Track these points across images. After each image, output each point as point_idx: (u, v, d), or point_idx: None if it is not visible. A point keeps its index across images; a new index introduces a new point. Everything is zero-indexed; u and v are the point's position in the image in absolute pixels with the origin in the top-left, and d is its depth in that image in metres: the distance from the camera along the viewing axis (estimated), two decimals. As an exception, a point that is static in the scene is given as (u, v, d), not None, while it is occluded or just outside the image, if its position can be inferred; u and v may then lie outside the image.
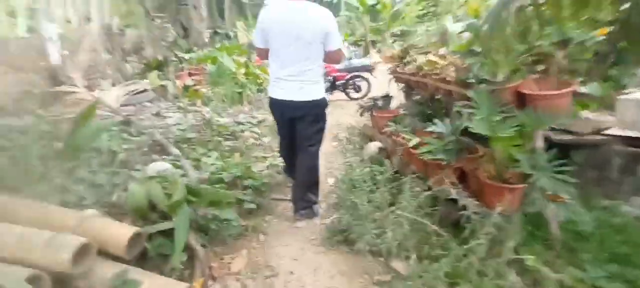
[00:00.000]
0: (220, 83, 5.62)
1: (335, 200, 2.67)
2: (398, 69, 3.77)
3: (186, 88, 5.94)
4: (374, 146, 3.52)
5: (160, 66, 6.09)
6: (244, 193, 2.51)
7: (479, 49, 2.48)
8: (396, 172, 3.14)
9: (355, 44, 16.42)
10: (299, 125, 2.35)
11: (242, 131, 3.84)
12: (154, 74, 5.39)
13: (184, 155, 2.94)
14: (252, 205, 2.33)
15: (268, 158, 3.35)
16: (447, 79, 2.54)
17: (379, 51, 16.13)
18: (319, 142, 2.47)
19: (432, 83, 2.86)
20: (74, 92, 4.31)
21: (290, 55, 2.17)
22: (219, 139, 3.41)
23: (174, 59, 6.40)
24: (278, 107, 2.37)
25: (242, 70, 6.20)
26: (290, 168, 2.64)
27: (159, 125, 3.65)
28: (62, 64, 5.37)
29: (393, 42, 17.03)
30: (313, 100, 2.27)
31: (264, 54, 2.38)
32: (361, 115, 4.42)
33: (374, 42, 17.27)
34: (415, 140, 2.76)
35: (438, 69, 2.79)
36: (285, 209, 2.62)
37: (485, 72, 2.15)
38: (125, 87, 4.58)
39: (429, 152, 2.38)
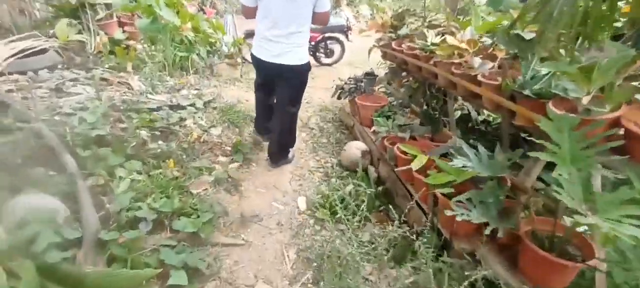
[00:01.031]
0: (159, 41, 4.36)
1: (307, 251, 1.89)
2: (393, 44, 2.88)
3: (114, 44, 4.59)
4: (355, 150, 2.72)
5: (75, 13, 4.60)
6: (171, 246, 1.63)
7: (526, 33, 1.68)
8: (385, 191, 2.42)
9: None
10: (280, 87, 2.44)
11: (183, 119, 2.82)
12: (63, 23, 3.97)
13: (83, 172, 1.95)
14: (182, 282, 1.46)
15: (215, 167, 2.43)
16: (479, 77, 1.74)
17: (350, 5, 14.81)
18: (298, 103, 2.57)
19: (447, 78, 2.04)
20: None
21: (282, 16, 2.17)
22: (146, 134, 2.40)
23: (97, 1, 4.88)
24: (261, 67, 2.41)
25: (189, 25, 4.90)
26: (261, 127, 2.81)
27: (58, 109, 2.52)
28: None
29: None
30: (298, 65, 2.30)
31: (251, 12, 2.33)
32: (339, 98, 3.54)
33: (345, -6, 15.83)
34: (420, 160, 1.99)
35: (461, 60, 1.97)
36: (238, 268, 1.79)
37: (556, 81, 1.38)
38: (13, 43, 3.23)
39: (449, 193, 1.63)
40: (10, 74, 2.85)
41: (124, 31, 4.88)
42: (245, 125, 3.25)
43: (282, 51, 2.24)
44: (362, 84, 3.35)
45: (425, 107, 2.90)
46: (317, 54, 6.35)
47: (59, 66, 3.41)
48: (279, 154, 2.68)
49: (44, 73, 3.04)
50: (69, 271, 1.20)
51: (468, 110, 2.89)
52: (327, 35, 6.15)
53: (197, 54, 4.35)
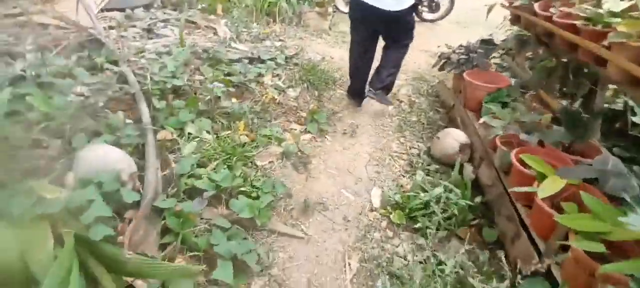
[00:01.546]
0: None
1: (373, 262, 1.56)
2: (536, 6, 2.11)
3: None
4: (452, 141, 2.17)
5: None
6: (223, 229, 1.47)
7: None
8: (484, 203, 1.88)
9: None
10: (387, 34, 2.50)
11: (261, 75, 2.60)
12: (164, -39, 4.03)
13: (155, 126, 1.88)
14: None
15: (286, 136, 2.18)
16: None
17: None
18: (408, 44, 2.58)
19: (630, 71, 1.33)
20: None
21: None
22: (221, 89, 2.24)
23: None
24: (364, 13, 2.35)
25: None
26: (357, 87, 2.73)
27: (146, 52, 2.53)
28: None
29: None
30: (406, 9, 2.29)
31: None
32: (441, 69, 2.90)
33: None
34: (553, 185, 1.41)
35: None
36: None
37: None
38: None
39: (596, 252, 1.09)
40: (110, 10, 2.95)
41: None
42: (326, 88, 2.91)
43: None
44: (475, 55, 2.63)
45: (565, 101, 2.13)
46: (420, 7, 5.47)
47: (155, 5, 3.46)
48: (381, 81, 2.63)
49: (139, 12, 3.09)
50: (111, 251, 1.09)
51: (625, 106, 2.03)
52: (433, -16, 5.19)
53: (286, 1, 4.03)
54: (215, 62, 2.55)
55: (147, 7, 3.26)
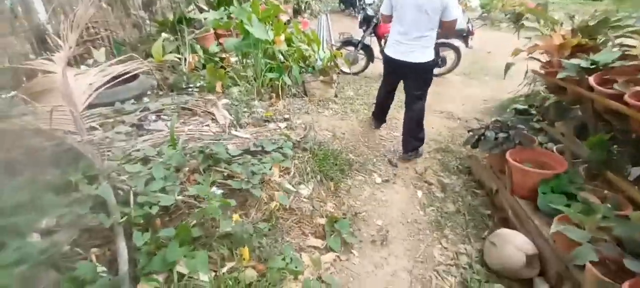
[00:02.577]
0: (251, 55, 3.91)
1: None
2: (591, 80, 1.76)
3: (208, 58, 4.35)
4: (515, 251, 1.70)
5: (174, 28, 4.51)
6: None
7: None
8: None
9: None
10: (407, 82, 2.86)
11: (263, 174, 2.20)
12: (158, 43, 3.83)
13: (136, 267, 1.44)
14: None
15: (304, 261, 1.72)
16: None
17: (485, 11, 12.59)
18: (425, 95, 2.85)
19: None
20: (45, 72, 2.94)
21: (411, 23, 2.54)
22: (219, 198, 1.82)
23: (196, 17, 4.75)
24: (392, 64, 2.81)
25: (282, 37, 4.39)
26: (380, 114, 3.37)
27: (132, 154, 2.16)
28: (49, 21, 4.07)
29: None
30: (422, 62, 2.62)
31: (388, 19, 2.85)
32: (474, 146, 2.50)
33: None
34: None
35: None
36: None
37: None
38: (110, 67, 3.10)
39: None
40: (97, 105, 2.64)
41: (219, 44, 4.65)
42: (342, 177, 2.51)
43: (408, 50, 2.60)
44: (515, 132, 2.25)
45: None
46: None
47: (148, 92, 3.18)
48: (409, 143, 2.90)
49: (129, 104, 2.79)
50: None
51: None
52: (439, 41, 5.01)
53: (288, 75, 3.78)
54: (212, 161, 2.17)
55: (139, 97, 2.97)
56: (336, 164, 2.57)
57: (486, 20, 10.42)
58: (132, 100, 2.87)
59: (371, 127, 3.44)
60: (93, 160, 1.98)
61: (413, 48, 2.58)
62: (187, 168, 2.12)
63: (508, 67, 3.58)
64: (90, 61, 3.96)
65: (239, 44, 3.61)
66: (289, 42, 4.39)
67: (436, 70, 5.39)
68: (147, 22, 4.91)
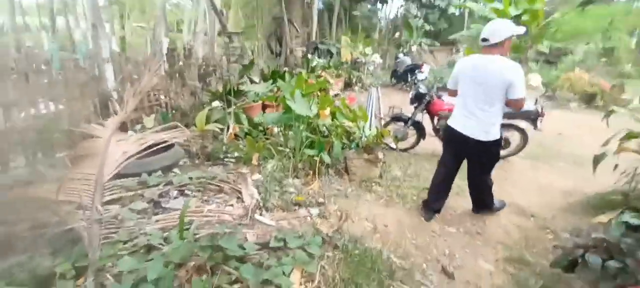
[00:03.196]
0: (292, 130, 3.73)
1: None
2: None
3: (252, 127, 4.29)
4: None
5: (222, 98, 4.62)
6: None
7: None
8: None
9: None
10: (470, 158, 2.78)
11: (278, 286, 1.75)
12: (203, 113, 3.86)
13: None
14: None
15: None
16: None
17: (550, 90, 11.98)
18: (488, 173, 2.81)
19: None
20: (93, 136, 2.98)
21: (473, 96, 2.53)
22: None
23: (242, 89, 4.86)
24: (454, 138, 2.71)
25: (327, 111, 4.22)
26: (434, 200, 2.96)
27: (139, 237, 1.89)
28: (116, 88, 4.40)
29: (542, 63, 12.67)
30: (485, 140, 2.54)
31: (454, 93, 2.79)
32: (566, 271, 1.83)
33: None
34: None
35: None
36: None
37: None
38: (150, 135, 3.09)
39: None
40: (125, 176, 2.52)
41: (265, 115, 4.61)
42: (381, 291, 1.96)
43: (470, 124, 2.56)
44: (631, 262, 1.57)
45: None
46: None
47: (180, 163, 3.06)
48: (481, 206, 2.97)
49: (155, 176, 2.64)
50: None
51: None
52: (504, 121, 4.45)
53: (328, 152, 3.47)
54: (222, 257, 1.80)
55: (169, 168, 2.85)
56: (374, 270, 2.04)
57: (553, 100, 9.58)
58: (159, 172, 2.73)
59: (421, 219, 2.89)
60: (90, 245, 1.73)
61: (472, 122, 2.56)
62: (192, 264, 1.78)
63: (599, 159, 2.91)
64: (138, 127, 4.10)
65: (279, 118, 3.46)
66: (333, 116, 4.19)
67: (502, 151, 4.77)
68: (201, 91, 5.13)
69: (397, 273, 2.12)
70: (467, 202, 3.16)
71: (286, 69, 7.00)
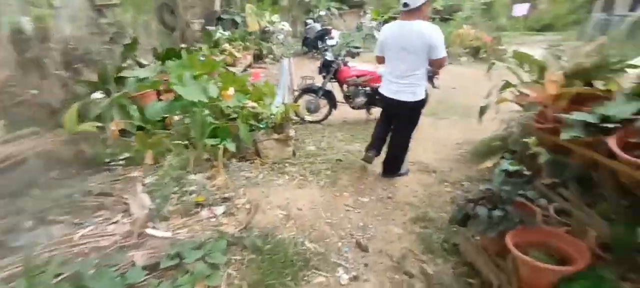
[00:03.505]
0: (191, 117, 3.28)
1: None
2: (615, 147, 1.29)
3: (144, 121, 3.68)
4: None
5: (104, 86, 3.86)
6: None
7: None
8: None
9: (386, 22, 13.59)
10: (396, 119, 3.00)
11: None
12: (72, 110, 3.14)
13: None
14: None
15: None
16: None
17: None
18: (410, 132, 3.02)
19: None
20: None
21: (398, 63, 2.70)
22: None
23: (125, 75, 4.11)
24: (384, 101, 2.97)
25: (231, 91, 3.83)
26: (373, 146, 3.18)
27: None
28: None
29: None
30: (411, 101, 2.74)
31: (381, 60, 2.93)
32: (462, 225, 1.95)
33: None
34: None
35: None
36: None
37: None
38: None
39: None
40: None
41: (160, 100, 4.00)
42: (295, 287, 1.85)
43: (397, 89, 2.75)
44: (511, 209, 1.73)
45: None
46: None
47: (41, 180, 2.45)
48: (391, 169, 3.12)
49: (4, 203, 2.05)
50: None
51: None
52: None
53: (235, 137, 3.17)
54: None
55: (24, 189, 2.24)
56: (288, 264, 1.92)
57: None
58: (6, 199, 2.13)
59: (335, 195, 2.86)
60: None
61: (401, 87, 2.70)
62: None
63: (483, 110, 3.20)
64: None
65: (167, 107, 3.00)
66: (244, 94, 3.84)
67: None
68: (72, 82, 4.21)
69: (312, 260, 2.04)
70: (378, 170, 3.25)
71: (184, 45, 6.22)
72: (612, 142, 1.32)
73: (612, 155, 1.33)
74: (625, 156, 1.26)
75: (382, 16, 13.83)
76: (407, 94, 2.71)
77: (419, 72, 2.67)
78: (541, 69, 2.07)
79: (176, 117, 3.83)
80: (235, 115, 3.61)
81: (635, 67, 1.63)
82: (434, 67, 2.78)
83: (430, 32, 2.51)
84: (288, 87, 7.45)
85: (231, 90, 3.81)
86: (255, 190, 2.74)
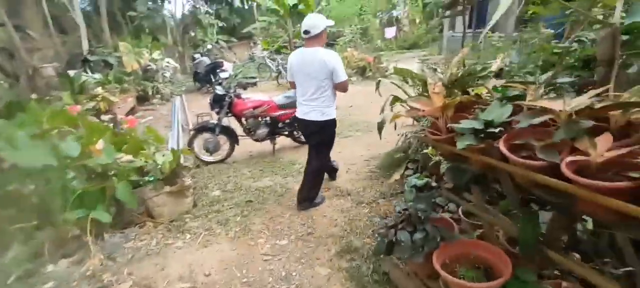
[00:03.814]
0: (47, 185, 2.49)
1: None
2: (505, 149, 1.33)
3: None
4: None
5: None
6: None
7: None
8: None
9: (277, 51, 13.90)
10: (309, 139, 3.06)
11: None
12: None
13: None
14: None
15: None
16: None
17: None
18: (324, 151, 3.08)
19: None
20: None
21: (306, 86, 2.79)
22: None
23: None
24: (301, 125, 3.05)
25: (101, 144, 3.11)
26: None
27: None
28: None
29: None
30: (320, 120, 2.81)
31: (292, 85, 2.99)
32: (387, 254, 1.85)
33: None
34: None
35: None
36: None
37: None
38: None
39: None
40: None
41: None
42: None
43: (308, 110, 2.82)
44: (430, 228, 1.70)
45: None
46: (296, 133, 4.77)
47: None
48: (308, 199, 3.06)
49: None
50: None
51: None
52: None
53: (108, 206, 2.53)
54: None
55: None
56: None
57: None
58: None
59: (249, 245, 2.51)
60: None
61: (311, 108, 2.79)
62: None
63: (381, 126, 3.31)
64: None
65: None
66: (118, 146, 3.14)
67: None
68: None
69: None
70: (291, 203, 3.03)
71: (35, 96, 5.00)
72: (502, 146, 1.38)
73: (504, 158, 1.39)
74: (516, 158, 1.32)
75: (273, 46, 14.07)
76: (316, 113, 2.79)
77: (327, 94, 2.76)
78: (423, 82, 2.20)
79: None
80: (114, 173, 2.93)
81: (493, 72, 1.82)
82: (338, 90, 2.83)
83: (329, 58, 2.65)
84: (182, 126, 6.73)
85: (100, 144, 3.10)
86: (147, 265, 2.19)
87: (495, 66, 2.87)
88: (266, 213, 2.97)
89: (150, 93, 9.06)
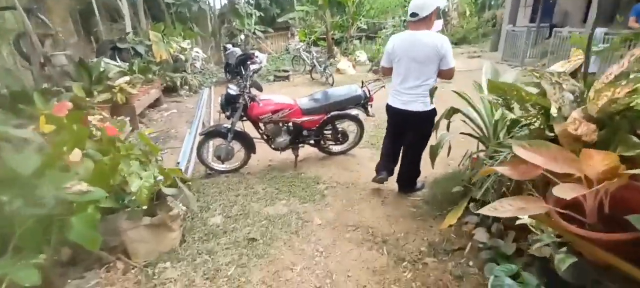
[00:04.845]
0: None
1: None
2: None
3: None
4: None
5: None
6: None
7: None
8: None
9: (314, 43, 13.08)
10: (408, 132, 2.83)
11: None
12: None
13: None
14: None
15: None
16: None
17: (345, 52, 12.89)
18: (424, 146, 2.86)
19: None
20: None
21: (408, 73, 2.59)
22: None
23: None
24: (392, 113, 2.85)
25: (78, 154, 2.50)
26: (386, 163, 3.07)
27: None
28: None
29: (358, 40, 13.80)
30: (422, 111, 2.62)
31: (389, 72, 2.81)
32: None
33: (337, 42, 13.94)
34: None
35: None
36: None
37: None
38: None
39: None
40: None
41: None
42: None
43: (408, 100, 2.64)
44: None
45: None
46: (323, 142, 3.97)
47: None
48: (407, 186, 3.04)
49: None
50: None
51: None
52: (333, 113, 3.76)
53: (53, 252, 1.87)
54: None
55: None
56: None
57: (379, 75, 10.21)
58: None
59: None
60: None
61: (413, 97, 2.63)
62: None
63: (435, 152, 2.41)
64: None
65: None
66: (105, 152, 2.52)
67: (337, 148, 4.15)
68: None
69: None
70: (305, 245, 2.23)
71: (46, 86, 4.64)
72: None
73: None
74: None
75: (309, 37, 13.30)
76: (419, 104, 2.61)
77: (430, 82, 2.57)
78: (544, 109, 1.28)
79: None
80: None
81: None
82: (443, 78, 2.61)
83: (441, 42, 2.45)
84: (203, 124, 6.19)
85: (76, 154, 2.48)
86: None
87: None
88: (270, 263, 2.20)
89: (178, 84, 8.69)
